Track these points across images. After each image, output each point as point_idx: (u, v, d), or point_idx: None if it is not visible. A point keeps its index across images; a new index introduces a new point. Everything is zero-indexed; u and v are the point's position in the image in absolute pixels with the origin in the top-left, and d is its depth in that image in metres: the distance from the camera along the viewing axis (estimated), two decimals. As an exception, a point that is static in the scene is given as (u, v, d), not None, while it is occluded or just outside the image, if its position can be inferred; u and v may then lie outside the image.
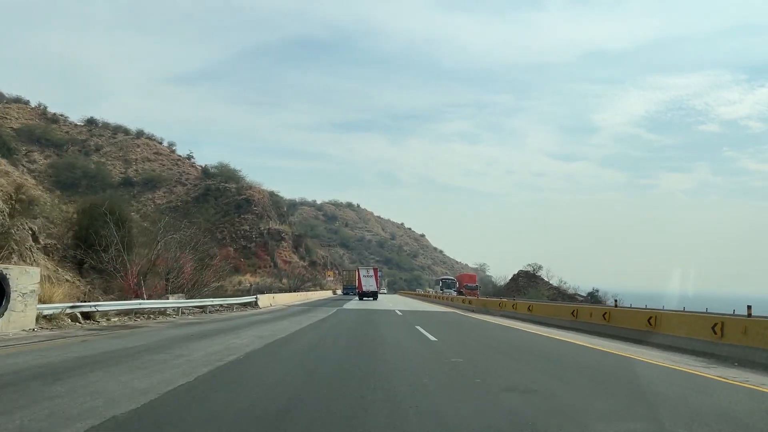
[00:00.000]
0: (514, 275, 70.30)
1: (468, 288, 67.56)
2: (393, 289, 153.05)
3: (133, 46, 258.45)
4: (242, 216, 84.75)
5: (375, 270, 60.25)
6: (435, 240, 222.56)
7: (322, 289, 74.31)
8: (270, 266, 76.03)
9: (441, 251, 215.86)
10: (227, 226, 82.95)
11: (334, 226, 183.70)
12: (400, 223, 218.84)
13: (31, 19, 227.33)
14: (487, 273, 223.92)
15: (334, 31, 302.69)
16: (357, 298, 53.67)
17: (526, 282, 66.13)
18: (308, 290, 66.66)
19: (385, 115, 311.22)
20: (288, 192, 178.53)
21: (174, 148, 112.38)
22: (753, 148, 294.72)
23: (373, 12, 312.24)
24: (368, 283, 55.20)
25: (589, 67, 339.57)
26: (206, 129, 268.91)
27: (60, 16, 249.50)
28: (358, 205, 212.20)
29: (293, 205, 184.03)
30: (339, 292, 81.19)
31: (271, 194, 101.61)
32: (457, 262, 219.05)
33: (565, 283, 63.81)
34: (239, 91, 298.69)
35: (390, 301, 48.39)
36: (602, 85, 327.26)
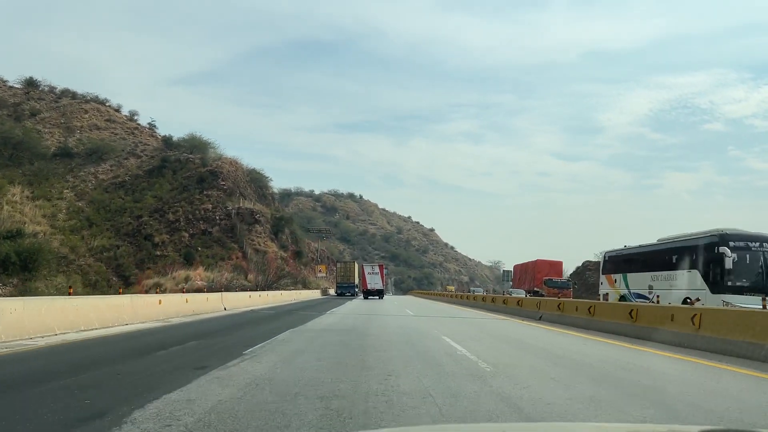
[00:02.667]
0: (578, 268, 49.58)
1: (552, 285, 42.71)
2: (401, 288, 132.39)
3: (136, 47, 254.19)
4: (205, 192, 64.39)
5: (381, 267, 54.73)
6: (445, 236, 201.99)
7: (306, 287, 53.89)
8: (237, 257, 55.68)
9: (452, 247, 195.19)
10: (183, 204, 62.62)
11: (334, 219, 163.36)
12: (407, 216, 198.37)
13: (34, 18, 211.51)
14: (505, 270, 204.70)
15: (336, 32, 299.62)
16: (356, 299, 46.94)
17: (598, 276, 44.99)
18: (285, 288, 46.44)
19: (389, 116, 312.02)
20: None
21: (136, 117, 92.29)
22: (759, 147, 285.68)
23: (375, 13, 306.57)
24: (374, 281, 51.56)
25: (592, 66, 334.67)
26: (210, 131, 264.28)
27: (64, 16, 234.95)
28: (361, 197, 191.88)
29: (287, 195, 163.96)
30: (333, 291, 60.82)
31: (252, 172, 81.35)
32: (470, 259, 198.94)
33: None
34: (243, 93, 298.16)
35: (416, 313, 25.33)
36: (606, 84, 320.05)
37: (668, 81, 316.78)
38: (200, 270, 49.00)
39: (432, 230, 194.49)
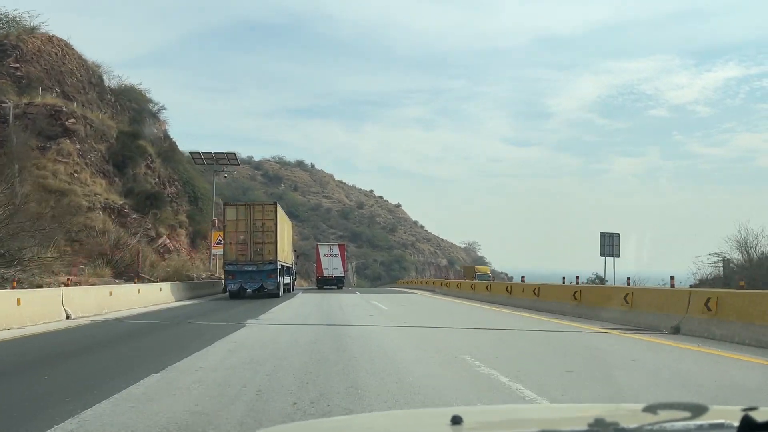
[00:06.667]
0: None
1: None
2: (366, 276, 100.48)
3: (78, 30, 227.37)
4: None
5: (341, 247, 44.64)
6: (413, 213, 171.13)
7: (139, 279, 21.01)
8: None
9: (422, 226, 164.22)
10: None
11: (278, 190, 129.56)
12: (369, 190, 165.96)
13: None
14: (480, 254, 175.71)
15: (287, 15, 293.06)
16: (284, 301, 23.04)
17: None
18: (64, 279, 13.48)
19: (341, 102, 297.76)
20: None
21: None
22: (700, 132, 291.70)
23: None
24: (332, 266, 42.06)
25: (542, 52, 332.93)
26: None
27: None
28: (313, 166, 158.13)
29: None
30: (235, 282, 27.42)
31: (125, 89, 47.54)
32: (442, 239, 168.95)
33: None
34: (190, 76, 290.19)
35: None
36: (555, 70, 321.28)
37: (615, 66, 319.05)
38: None
39: (399, 206, 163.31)
